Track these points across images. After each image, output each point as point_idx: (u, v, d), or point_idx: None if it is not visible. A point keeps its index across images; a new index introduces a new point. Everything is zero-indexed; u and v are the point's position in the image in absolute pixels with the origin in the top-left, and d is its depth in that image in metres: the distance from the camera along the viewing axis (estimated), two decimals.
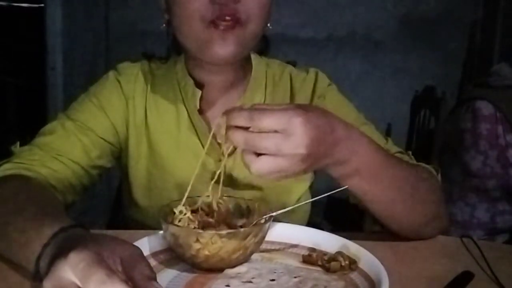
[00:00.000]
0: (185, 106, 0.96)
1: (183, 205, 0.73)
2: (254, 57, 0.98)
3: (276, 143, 0.63)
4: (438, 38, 3.17)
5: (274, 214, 0.72)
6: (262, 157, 0.64)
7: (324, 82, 1.01)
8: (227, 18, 0.82)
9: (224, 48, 0.83)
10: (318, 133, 0.65)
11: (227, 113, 0.65)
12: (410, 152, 0.97)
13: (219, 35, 0.83)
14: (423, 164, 0.93)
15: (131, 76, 0.98)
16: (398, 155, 0.93)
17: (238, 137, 0.64)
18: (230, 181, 0.94)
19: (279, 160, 0.64)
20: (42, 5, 2.88)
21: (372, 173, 0.74)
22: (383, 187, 0.77)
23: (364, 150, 0.73)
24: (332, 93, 1.00)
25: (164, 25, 0.92)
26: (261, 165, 0.64)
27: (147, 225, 0.93)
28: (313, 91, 0.99)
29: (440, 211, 0.88)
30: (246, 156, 0.65)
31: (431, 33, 3.17)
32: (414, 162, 0.94)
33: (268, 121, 0.63)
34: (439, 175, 0.92)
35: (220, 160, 0.94)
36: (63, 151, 0.89)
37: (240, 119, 0.64)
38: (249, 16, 0.84)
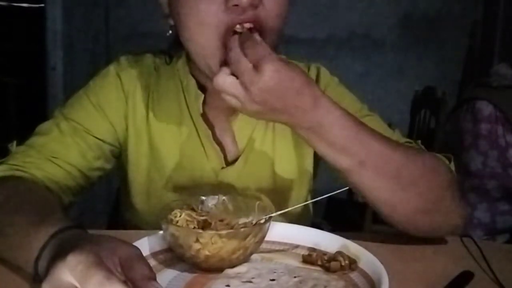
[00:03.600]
0: (187, 108, 0.92)
1: (180, 207, 0.73)
2: None
3: (245, 72, 0.68)
4: (438, 38, 3.17)
5: (273, 214, 0.72)
6: (230, 76, 0.69)
7: (325, 77, 0.99)
8: (247, 25, 0.75)
9: None
10: (280, 88, 0.68)
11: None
12: (419, 142, 0.93)
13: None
14: (435, 154, 0.86)
15: (133, 71, 0.93)
16: (406, 144, 0.89)
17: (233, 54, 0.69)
18: (232, 190, 0.92)
19: (239, 88, 0.68)
20: (42, 5, 2.89)
21: (348, 149, 0.72)
22: (368, 168, 0.73)
23: (334, 119, 0.71)
24: (333, 85, 0.98)
25: (170, 32, 0.86)
26: (223, 79, 0.69)
27: (144, 229, 0.91)
28: None
29: (446, 204, 0.81)
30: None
31: (431, 33, 3.17)
32: (423, 150, 0.89)
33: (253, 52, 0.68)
34: (452, 163, 0.86)
35: (222, 168, 0.93)
36: (58, 153, 0.86)
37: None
38: (270, 21, 0.77)
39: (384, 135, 0.78)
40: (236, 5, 0.75)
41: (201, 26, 0.77)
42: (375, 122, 0.93)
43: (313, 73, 0.99)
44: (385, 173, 0.75)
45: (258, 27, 0.76)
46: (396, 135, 0.92)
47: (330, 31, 3.15)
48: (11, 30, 3.73)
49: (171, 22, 0.85)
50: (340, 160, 0.73)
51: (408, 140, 0.93)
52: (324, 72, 1.00)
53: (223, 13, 0.76)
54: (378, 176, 0.74)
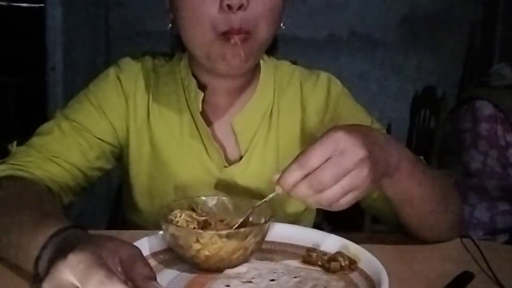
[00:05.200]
0: (188, 107, 0.92)
1: (180, 207, 0.73)
2: (262, 60, 0.95)
3: (336, 163, 0.61)
4: (438, 38, 3.17)
5: (260, 202, 0.71)
6: (326, 192, 0.61)
7: (337, 88, 0.98)
8: (237, 30, 0.79)
9: (235, 63, 0.81)
10: (363, 135, 0.64)
11: (279, 181, 0.63)
12: (422, 157, 0.96)
13: (230, 49, 0.80)
14: (439, 170, 0.92)
15: (133, 73, 0.94)
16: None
17: (302, 189, 0.62)
18: (234, 189, 0.92)
19: (346, 180, 0.61)
20: (42, 5, 2.88)
21: (409, 170, 0.73)
22: (417, 190, 0.77)
23: (400, 149, 0.72)
24: (345, 100, 0.98)
25: (170, 25, 0.88)
26: (329, 194, 0.61)
27: (148, 229, 0.91)
28: (327, 98, 0.96)
29: (460, 216, 0.89)
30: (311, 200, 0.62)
31: (431, 33, 3.17)
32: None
33: (317, 155, 0.61)
34: (453, 180, 0.92)
35: (225, 167, 0.92)
36: (59, 152, 0.87)
37: (293, 175, 0.62)
38: (258, 23, 0.80)
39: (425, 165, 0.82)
40: (230, 6, 0.78)
41: (197, 23, 0.81)
42: None
43: (323, 83, 0.98)
44: (420, 185, 0.78)
45: (246, 32, 0.80)
46: None
47: (330, 31, 3.15)
48: (11, 30, 3.73)
49: (171, 16, 0.87)
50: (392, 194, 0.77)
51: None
52: (335, 82, 0.99)
53: (218, 12, 0.79)
54: (412, 185, 0.77)
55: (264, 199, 0.69)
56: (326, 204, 0.62)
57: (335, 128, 0.64)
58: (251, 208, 0.72)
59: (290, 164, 0.63)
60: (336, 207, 0.63)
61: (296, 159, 0.63)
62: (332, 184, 0.61)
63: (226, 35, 0.79)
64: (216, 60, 0.82)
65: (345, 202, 0.63)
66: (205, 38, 0.81)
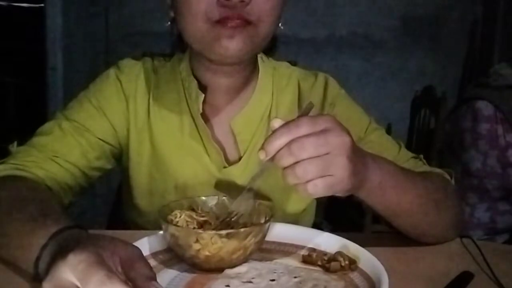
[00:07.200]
0: (188, 108, 0.93)
1: (180, 207, 0.74)
2: (260, 60, 0.95)
3: (321, 136, 0.61)
4: (438, 38, 3.17)
5: (248, 185, 0.71)
6: (304, 162, 0.60)
7: (334, 89, 0.98)
8: (236, 20, 0.78)
9: (232, 44, 0.80)
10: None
11: (264, 145, 0.62)
12: (422, 156, 0.96)
13: (227, 32, 0.79)
14: (437, 169, 0.92)
15: (133, 74, 0.94)
16: (412, 160, 0.93)
17: (283, 155, 0.61)
18: (234, 189, 0.91)
19: (324, 158, 0.60)
20: (42, 5, 2.89)
21: (391, 186, 0.74)
22: (403, 201, 0.77)
23: (383, 165, 0.73)
24: (342, 100, 0.98)
25: (169, 22, 0.89)
26: (305, 166, 0.60)
27: (148, 229, 0.91)
28: (324, 98, 0.97)
29: (459, 215, 0.89)
30: (289, 175, 0.62)
31: (431, 33, 3.17)
32: (428, 167, 0.93)
33: (306, 124, 0.61)
34: (453, 179, 0.92)
35: (224, 167, 0.93)
36: (59, 152, 0.87)
37: (279, 139, 0.62)
38: (259, 18, 0.80)
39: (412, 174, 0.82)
40: (228, 0, 0.77)
41: (194, 17, 0.80)
42: (383, 137, 0.96)
43: (320, 83, 0.98)
44: (405, 200, 0.78)
45: (248, 24, 0.79)
46: (402, 151, 0.95)
47: (330, 31, 3.15)
48: (11, 30, 3.73)
49: (172, 13, 0.88)
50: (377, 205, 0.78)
51: (414, 155, 0.95)
52: (332, 83, 0.99)
53: (215, 7, 0.79)
54: (394, 201, 0.77)
55: (253, 176, 0.69)
56: (299, 178, 0.61)
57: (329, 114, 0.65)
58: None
59: (278, 128, 0.62)
60: (310, 190, 0.61)
61: (286, 124, 0.63)
62: (310, 154, 0.60)
63: (222, 22, 0.79)
64: (211, 46, 0.81)
65: (320, 185, 0.61)
66: (200, 28, 0.81)
